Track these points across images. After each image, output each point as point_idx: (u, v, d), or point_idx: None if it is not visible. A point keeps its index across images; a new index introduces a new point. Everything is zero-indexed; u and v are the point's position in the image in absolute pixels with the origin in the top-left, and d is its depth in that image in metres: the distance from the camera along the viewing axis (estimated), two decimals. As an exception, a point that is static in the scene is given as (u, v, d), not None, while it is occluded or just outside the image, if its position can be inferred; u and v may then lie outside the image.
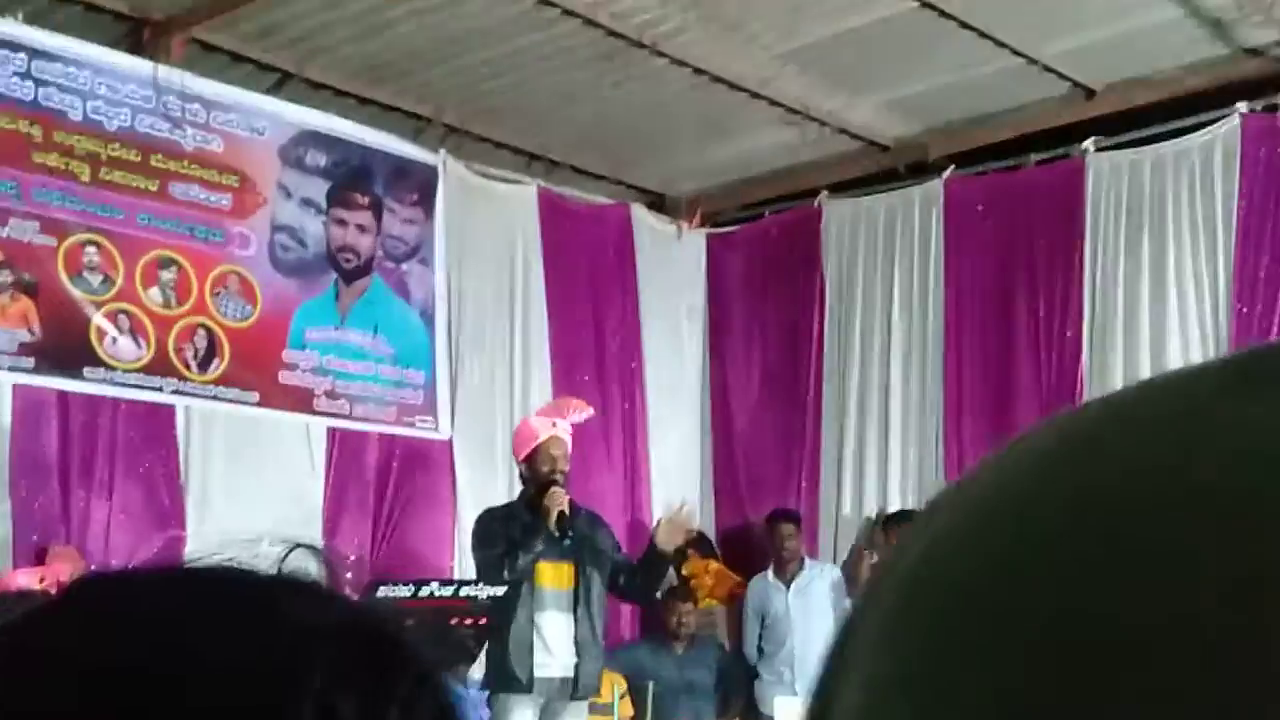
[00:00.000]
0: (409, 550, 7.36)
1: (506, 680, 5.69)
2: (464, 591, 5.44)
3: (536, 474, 5.81)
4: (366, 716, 0.64)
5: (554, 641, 5.73)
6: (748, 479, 8.71)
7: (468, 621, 5.37)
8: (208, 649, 0.64)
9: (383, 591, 5.25)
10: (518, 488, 6.10)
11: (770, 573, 7.82)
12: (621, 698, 7.32)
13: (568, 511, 5.70)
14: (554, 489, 5.70)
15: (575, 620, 5.75)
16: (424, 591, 5.31)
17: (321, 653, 0.65)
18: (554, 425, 5.86)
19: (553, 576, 5.76)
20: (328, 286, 7.28)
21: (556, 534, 5.67)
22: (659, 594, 6.82)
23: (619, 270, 8.58)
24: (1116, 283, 7.56)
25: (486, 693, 5.86)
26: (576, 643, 5.75)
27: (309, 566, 0.70)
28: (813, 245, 8.58)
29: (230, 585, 0.69)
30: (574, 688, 5.80)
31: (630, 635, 8.14)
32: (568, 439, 5.87)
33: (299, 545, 0.71)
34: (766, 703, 7.52)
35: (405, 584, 5.43)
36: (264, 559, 0.70)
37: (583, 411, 6.06)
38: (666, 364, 8.77)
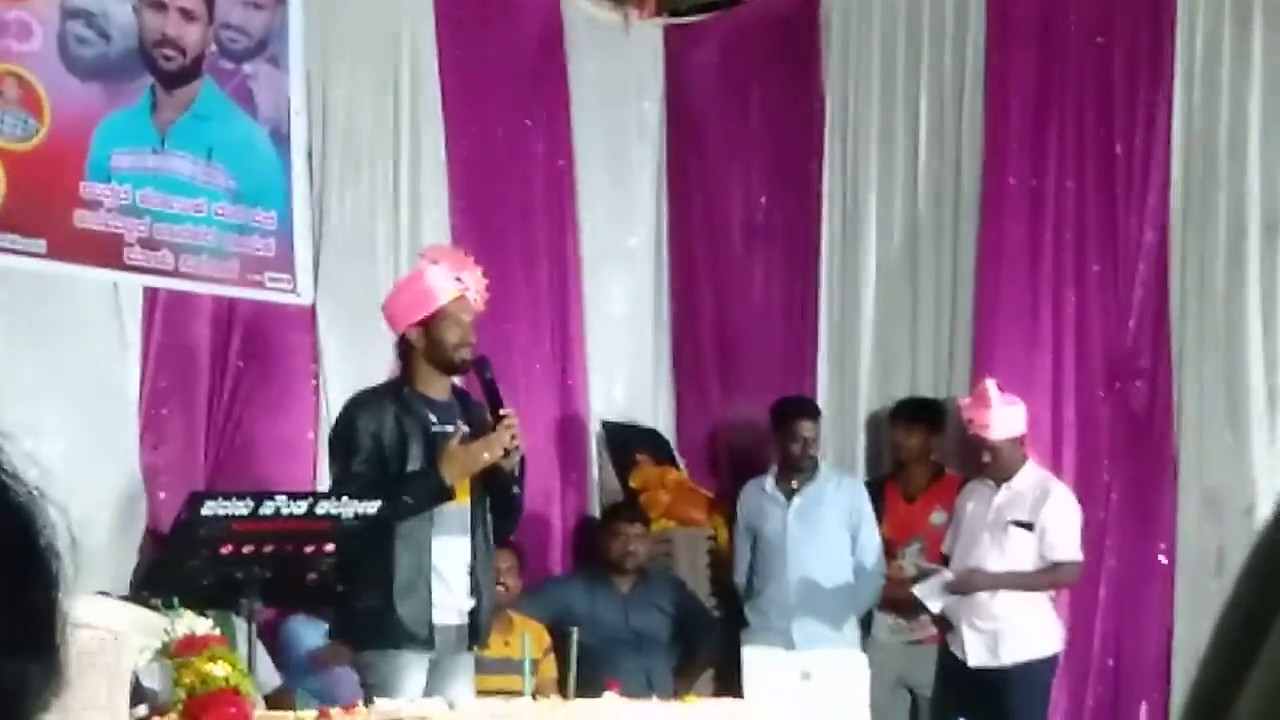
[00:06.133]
0: (257, 454, 6.81)
1: (391, 633, 5.04)
2: (322, 508, 4.84)
3: (438, 348, 5.16)
4: None
5: (452, 576, 5.13)
6: (720, 361, 8.04)
7: (328, 548, 4.77)
8: None
9: (209, 508, 4.68)
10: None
11: (770, 478, 6.86)
12: (545, 654, 6.44)
13: (521, 448, 5.16)
14: (509, 417, 5.07)
15: (472, 549, 5.19)
16: (266, 508, 4.76)
17: None
18: (459, 281, 5.20)
19: None
20: (141, 94, 6.65)
21: (509, 471, 5.14)
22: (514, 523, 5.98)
23: (544, 76, 7.95)
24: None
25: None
26: (473, 578, 5.19)
27: None
28: (809, 38, 7.86)
29: None
30: (470, 637, 5.22)
31: (562, 568, 7.45)
32: (475, 303, 5.31)
33: None
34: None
35: (240, 497, 4.83)
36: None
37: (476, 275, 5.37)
38: (609, 203, 8.22)
